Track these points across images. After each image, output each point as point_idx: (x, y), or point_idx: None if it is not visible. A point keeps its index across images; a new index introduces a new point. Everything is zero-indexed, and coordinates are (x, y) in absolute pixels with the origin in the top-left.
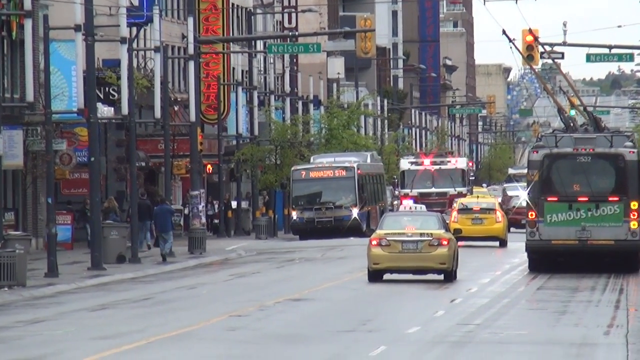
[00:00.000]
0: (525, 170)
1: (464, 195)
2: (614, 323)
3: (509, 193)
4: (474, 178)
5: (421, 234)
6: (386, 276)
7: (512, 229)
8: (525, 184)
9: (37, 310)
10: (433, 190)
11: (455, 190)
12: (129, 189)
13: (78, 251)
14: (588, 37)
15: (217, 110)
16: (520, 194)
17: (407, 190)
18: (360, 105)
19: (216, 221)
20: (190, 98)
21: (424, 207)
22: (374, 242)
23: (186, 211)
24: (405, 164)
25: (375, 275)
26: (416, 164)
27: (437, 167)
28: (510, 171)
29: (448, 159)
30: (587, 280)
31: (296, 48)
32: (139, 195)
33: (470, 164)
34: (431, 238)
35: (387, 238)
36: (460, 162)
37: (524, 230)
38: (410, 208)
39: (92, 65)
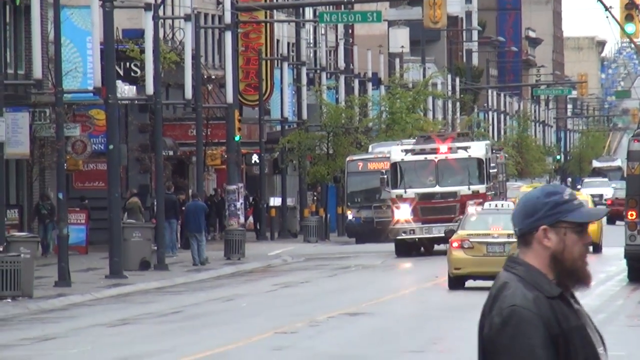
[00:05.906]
0: (615, 163)
1: (483, 196)
2: None
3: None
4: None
5: (509, 235)
6: (469, 283)
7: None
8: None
9: (47, 326)
10: (437, 189)
11: (470, 190)
12: (154, 182)
13: (94, 256)
14: None
15: (258, 90)
16: (605, 192)
17: (399, 191)
18: (427, 84)
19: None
20: (226, 75)
21: (511, 204)
22: (455, 245)
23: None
24: (397, 153)
25: (456, 282)
26: (414, 152)
27: (442, 156)
28: (595, 164)
29: (459, 145)
30: None
31: (352, 17)
32: (165, 189)
33: (501, 156)
34: None
35: (470, 240)
36: (475, 149)
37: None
38: (496, 205)
39: (110, 36)
